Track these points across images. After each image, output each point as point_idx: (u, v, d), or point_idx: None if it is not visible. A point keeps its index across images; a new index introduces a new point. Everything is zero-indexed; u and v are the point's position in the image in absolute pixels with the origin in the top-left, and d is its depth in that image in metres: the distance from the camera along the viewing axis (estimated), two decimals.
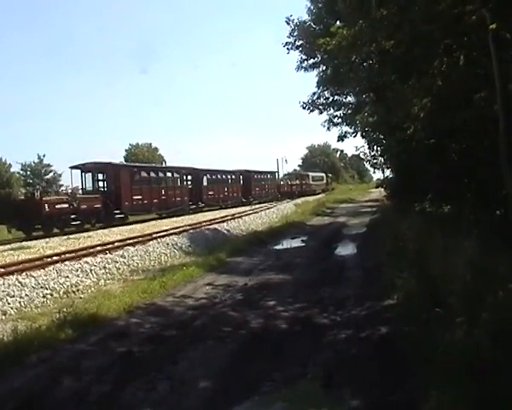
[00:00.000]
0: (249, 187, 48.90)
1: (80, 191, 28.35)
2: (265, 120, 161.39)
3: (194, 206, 38.04)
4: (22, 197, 24.77)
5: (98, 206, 27.26)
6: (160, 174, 35.77)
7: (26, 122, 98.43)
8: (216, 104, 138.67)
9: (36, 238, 21.51)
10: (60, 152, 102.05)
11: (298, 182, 64.38)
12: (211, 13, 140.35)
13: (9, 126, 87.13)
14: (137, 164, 33.67)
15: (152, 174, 34.49)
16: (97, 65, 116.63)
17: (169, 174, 36.65)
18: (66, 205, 25.22)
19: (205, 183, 41.30)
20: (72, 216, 25.48)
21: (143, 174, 33.52)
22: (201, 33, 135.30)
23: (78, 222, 25.57)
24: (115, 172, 30.08)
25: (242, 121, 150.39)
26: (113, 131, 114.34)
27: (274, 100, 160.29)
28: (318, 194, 63.88)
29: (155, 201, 32.92)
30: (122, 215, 29.55)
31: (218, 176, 44.44)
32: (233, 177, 46.82)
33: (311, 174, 71.48)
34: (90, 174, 30.45)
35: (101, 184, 31.00)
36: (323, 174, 79.29)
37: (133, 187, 31.07)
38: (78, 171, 30.37)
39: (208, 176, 42.30)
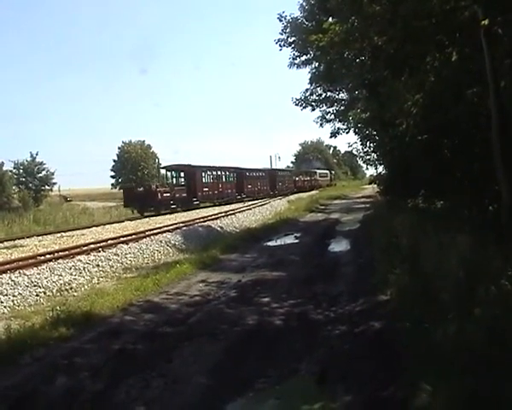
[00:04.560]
0: (274, 182, 59.85)
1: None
2: (260, 117, 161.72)
3: (239, 196, 47.56)
4: (142, 189, 35.56)
5: (185, 195, 37.97)
6: (218, 173, 45.68)
7: (23, 122, 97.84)
8: (214, 103, 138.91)
9: (27, 236, 21.50)
10: (55, 151, 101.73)
11: (308, 178, 75.50)
12: (211, 12, 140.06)
13: (6, 127, 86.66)
14: (205, 165, 43.43)
15: (213, 173, 44.57)
16: (97, 65, 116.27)
17: (223, 172, 46.77)
18: (168, 194, 35.57)
19: (244, 179, 50.45)
20: (171, 202, 35.45)
21: (208, 173, 43.65)
22: (201, 33, 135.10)
23: (174, 206, 35.52)
24: (192, 172, 40.12)
25: (238, 119, 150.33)
26: (111, 130, 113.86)
27: (268, 97, 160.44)
28: (324, 187, 77.18)
29: (215, 192, 43.59)
30: (197, 202, 39.46)
31: (253, 173, 55.11)
32: (263, 174, 57.76)
33: (318, 171, 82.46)
34: (174, 173, 41.03)
35: (181, 180, 40.72)
36: (327, 171, 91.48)
37: (203, 182, 41.83)
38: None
39: (247, 173, 52.20)
